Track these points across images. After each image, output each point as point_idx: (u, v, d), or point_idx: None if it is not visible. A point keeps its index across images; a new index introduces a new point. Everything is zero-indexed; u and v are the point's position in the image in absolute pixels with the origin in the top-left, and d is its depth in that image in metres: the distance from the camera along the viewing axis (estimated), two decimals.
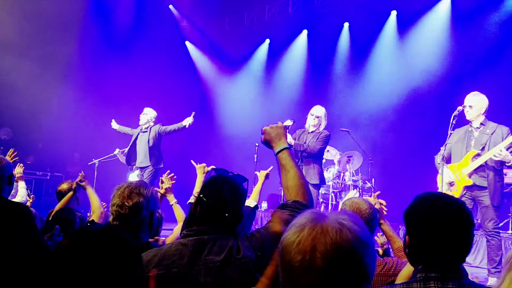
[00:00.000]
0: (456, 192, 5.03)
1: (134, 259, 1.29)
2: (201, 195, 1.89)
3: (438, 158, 5.24)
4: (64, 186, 4.14)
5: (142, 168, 7.59)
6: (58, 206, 3.91)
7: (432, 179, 7.30)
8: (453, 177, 5.12)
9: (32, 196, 4.55)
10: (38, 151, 9.69)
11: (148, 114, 7.68)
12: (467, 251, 1.60)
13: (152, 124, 7.67)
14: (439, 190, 5.03)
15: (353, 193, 7.15)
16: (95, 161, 7.98)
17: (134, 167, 7.71)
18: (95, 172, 7.86)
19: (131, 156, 7.71)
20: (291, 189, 1.94)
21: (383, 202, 3.06)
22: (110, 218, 2.20)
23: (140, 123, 7.75)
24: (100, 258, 1.23)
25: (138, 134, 7.70)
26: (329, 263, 1.00)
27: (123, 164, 7.97)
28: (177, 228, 3.41)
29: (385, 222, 2.98)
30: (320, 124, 6.25)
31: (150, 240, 2.34)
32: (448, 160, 5.28)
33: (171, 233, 3.38)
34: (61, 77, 9.13)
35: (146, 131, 7.64)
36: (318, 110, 6.34)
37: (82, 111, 9.44)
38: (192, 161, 3.97)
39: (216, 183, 1.92)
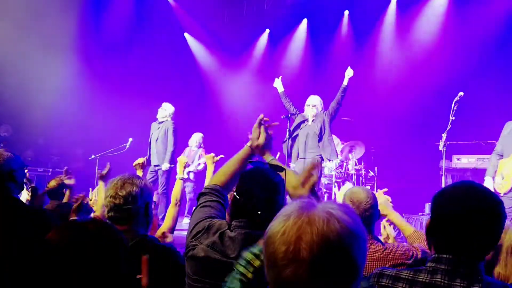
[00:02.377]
0: (506, 185, 4.71)
1: (116, 249, 1.28)
2: (234, 193, 1.92)
3: (440, 145, 5.23)
4: (52, 183, 4.08)
5: (157, 167, 7.41)
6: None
7: (434, 167, 7.27)
8: (505, 171, 4.79)
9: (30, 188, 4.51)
10: (39, 147, 9.66)
11: (166, 110, 7.62)
12: (488, 248, 1.45)
13: (169, 119, 7.58)
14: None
15: (348, 186, 6.95)
16: (94, 156, 7.91)
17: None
18: (96, 168, 7.80)
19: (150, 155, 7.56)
20: (295, 187, 2.02)
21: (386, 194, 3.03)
22: (106, 211, 2.22)
23: (157, 117, 7.66)
24: (82, 249, 1.24)
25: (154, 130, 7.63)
26: (315, 254, 0.92)
27: (125, 159, 7.70)
28: (168, 216, 3.23)
29: (392, 212, 2.92)
30: (318, 112, 6.57)
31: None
32: (501, 154, 4.95)
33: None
34: (61, 71, 9.09)
35: (160, 128, 7.54)
36: (313, 100, 6.67)
37: (84, 106, 9.39)
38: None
39: (246, 180, 1.92)
